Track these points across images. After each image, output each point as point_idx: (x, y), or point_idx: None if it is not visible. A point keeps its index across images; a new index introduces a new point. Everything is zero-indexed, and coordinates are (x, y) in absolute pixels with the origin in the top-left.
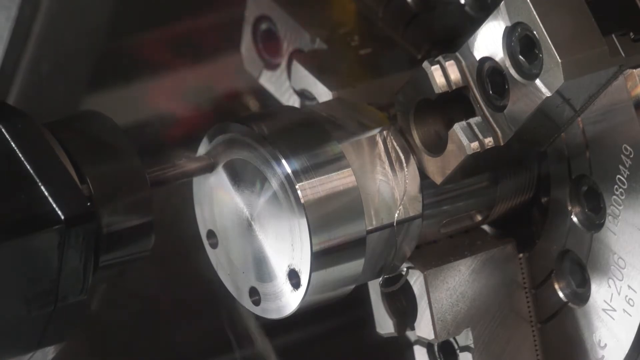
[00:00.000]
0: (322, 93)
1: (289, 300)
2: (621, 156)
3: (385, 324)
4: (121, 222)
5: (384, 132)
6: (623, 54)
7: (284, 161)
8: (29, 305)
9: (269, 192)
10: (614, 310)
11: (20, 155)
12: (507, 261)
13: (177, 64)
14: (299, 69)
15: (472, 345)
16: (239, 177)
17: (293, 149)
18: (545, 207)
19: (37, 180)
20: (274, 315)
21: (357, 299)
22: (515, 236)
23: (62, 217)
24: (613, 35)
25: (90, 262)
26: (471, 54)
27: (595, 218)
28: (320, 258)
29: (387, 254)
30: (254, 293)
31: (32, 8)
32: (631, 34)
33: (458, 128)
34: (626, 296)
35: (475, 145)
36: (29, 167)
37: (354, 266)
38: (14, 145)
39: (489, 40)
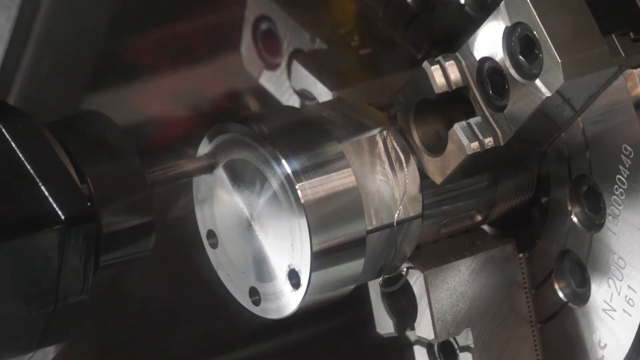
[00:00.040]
0: (322, 93)
1: (289, 300)
2: (621, 156)
3: (385, 324)
4: (121, 222)
5: (384, 132)
6: (623, 54)
7: (284, 161)
8: (29, 305)
9: (269, 192)
10: (614, 310)
11: (20, 155)
12: (507, 261)
13: (177, 65)
14: (299, 69)
15: (472, 345)
16: (239, 177)
17: (293, 149)
18: (545, 207)
19: (37, 180)
20: (274, 315)
21: (357, 299)
22: (515, 236)
23: (63, 217)
24: (613, 35)
25: (91, 262)
26: (471, 54)
27: (595, 218)
28: (320, 258)
29: (387, 254)
30: (254, 293)
31: (32, 8)
32: (631, 34)
33: (458, 128)
34: (626, 296)
35: (475, 145)
36: (29, 167)
37: (354, 266)
38: (14, 145)
39: (489, 40)
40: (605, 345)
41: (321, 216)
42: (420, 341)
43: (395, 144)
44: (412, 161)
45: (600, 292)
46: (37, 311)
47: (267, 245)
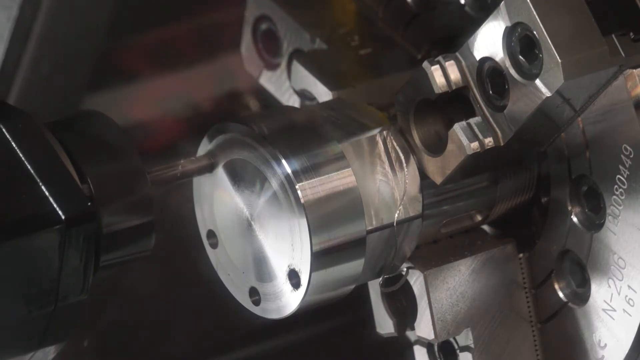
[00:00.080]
0: (322, 93)
1: (289, 300)
2: (621, 156)
3: (385, 324)
4: (122, 222)
5: (384, 132)
6: (623, 54)
7: (284, 161)
8: (29, 305)
9: (269, 192)
10: (614, 310)
11: (20, 155)
12: (507, 261)
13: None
14: (299, 69)
15: (472, 345)
16: (239, 177)
17: (293, 149)
18: (545, 207)
19: (38, 180)
20: (274, 315)
21: (357, 299)
22: (515, 236)
23: (63, 217)
24: (613, 35)
25: (91, 261)
26: (471, 54)
27: (595, 218)
28: (320, 258)
29: (387, 254)
30: (254, 293)
31: (32, 8)
32: (631, 34)
33: (458, 128)
34: (626, 296)
35: (475, 145)
36: (29, 166)
37: (354, 266)
38: (14, 145)
39: (489, 40)
40: (605, 345)
41: (321, 216)
42: (420, 341)
43: (395, 144)
44: (412, 161)
45: (600, 292)
46: (37, 311)
47: (267, 245)
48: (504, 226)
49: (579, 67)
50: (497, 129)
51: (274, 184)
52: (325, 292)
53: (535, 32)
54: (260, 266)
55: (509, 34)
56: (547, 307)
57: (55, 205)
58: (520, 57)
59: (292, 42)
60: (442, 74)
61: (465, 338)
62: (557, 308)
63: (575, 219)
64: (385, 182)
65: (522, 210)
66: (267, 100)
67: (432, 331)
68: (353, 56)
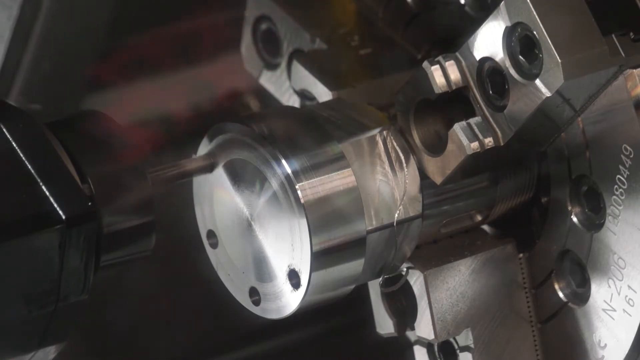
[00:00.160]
0: (322, 93)
1: (289, 300)
2: (621, 156)
3: (385, 324)
4: (122, 222)
5: (384, 132)
6: (623, 54)
7: (284, 161)
8: (30, 305)
9: (269, 192)
10: (614, 310)
11: (21, 154)
12: (507, 261)
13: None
14: (299, 69)
15: (472, 345)
16: (239, 177)
17: (293, 149)
18: (545, 207)
19: (38, 180)
20: (274, 315)
21: (357, 299)
22: (515, 236)
23: (63, 217)
24: (613, 35)
25: (91, 261)
26: (471, 54)
27: (595, 218)
28: (320, 258)
29: (387, 254)
30: (254, 293)
31: (33, 7)
32: (631, 34)
33: (458, 128)
34: (626, 296)
35: (475, 145)
36: (30, 166)
37: (354, 266)
38: (15, 145)
39: (489, 40)
40: (605, 345)
41: (321, 216)
42: (420, 341)
43: (395, 144)
44: (412, 161)
45: (600, 292)
46: (37, 311)
47: (267, 245)
48: (504, 226)
49: (579, 67)
50: (497, 129)
51: (274, 184)
52: (325, 292)
53: (535, 32)
54: (260, 266)
55: (509, 34)
56: (547, 307)
57: (55, 205)
58: (520, 57)
59: (292, 42)
60: (442, 74)
61: (465, 338)
62: (557, 308)
63: (575, 219)
64: (385, 182)
65: (522, 210)
66: (267, 100)
67: (432, 331)
68: (353, 56)
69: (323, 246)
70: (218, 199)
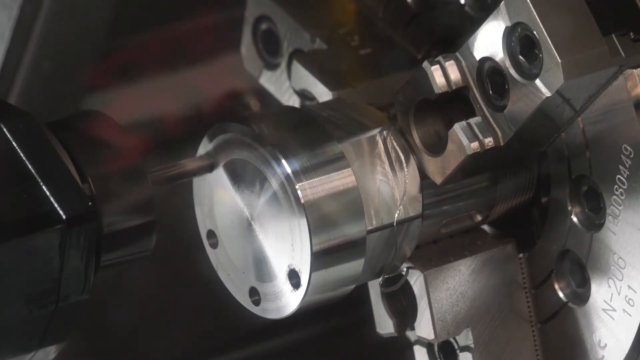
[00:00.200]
0: (322, 93)
1: (289, 300)
2: (621, 156)
3: (385, 324)
4: (122, 222)
5: (384, 132)
6: (623, 54)
7: (284, 161)
8: (30, 305)
9: (269, 192)
10: (614, 310)
11: (21, 154)
12: (507, 261)
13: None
14: (299, 69)
15: (472, 345)
16: (239, 177)
17: (293, 149)
18: (545, 207)
19: (39, 180)
20: (274, 315)
21: (357, 299)
22: (515, 236)
23: (64, 217)
24: (613, 35)
25: (92, 261)
26: (471, 54)
27: (595, 218)
28: (320, 258)
29: (387, 254)
30: (254, 293)
31: (33, 7)
32: (631, 34)
33: (458, 128)
34: (626, 296)
35: (475, 145)
36: (30, 166)
37: (354, 266)
38: (15, 145)
39: (489, 40)
40: (605, 345)
41: (321, 216)
42: (420, 341)
43: (395, 144)
44: (412, 161)
45: (600, 292)
46: (38, 311)
47: (267, 245)
48: (504, 226)
49: (579, 67)
50: (497, 129)
51: (274, 184)
52: (325, 292)
53: (535, 32)
54: (260, 266)
55: (509, 34)
56: (547, 307)
57: (56, 205)
58: (520, 57)
59: (292, 42)
60: (442, 74)
61: (465, 338)
62: (557, 308)
63: (575, 219)
64: (385, 182)
65: (522, 210)
66: (267, 100)
67: (432, 331)
68: (353, 56)
69: (323, 246)
70: (218, 199)
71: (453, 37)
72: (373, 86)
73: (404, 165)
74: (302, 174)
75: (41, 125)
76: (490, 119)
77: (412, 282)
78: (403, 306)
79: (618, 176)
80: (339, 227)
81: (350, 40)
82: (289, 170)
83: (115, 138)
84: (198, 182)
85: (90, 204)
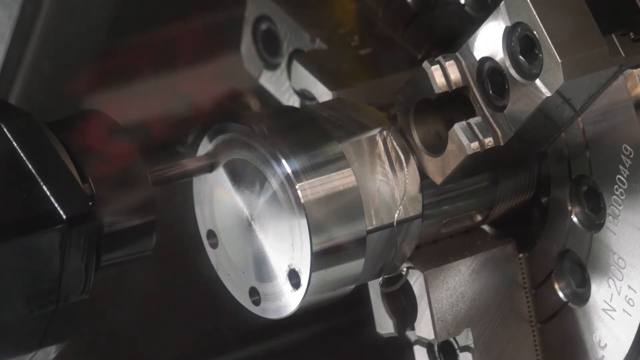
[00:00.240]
0: (322, 93)
1: (289, 300)
2: (621, 156)
3: (385, 324)
4: (123, 222)
5: (384, 132)
6: (623, 54)
7: (284, 161)
8: (30, 305)
9: (269, 192)
10: (614, 310)
11: (22, 154)
12: (507, 261)
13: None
14: (299, 69)
15: (472, 345)
16: (239, 177)
17: (293, 149)
18: (545, 207)
19: (39, 180)
20: (274, 315)
21: (357, 299)
22: (515, 236)
23: (64, 217)
24: (613, 35)
25: (92, 261)
26: (471, 54)
27: (595, 218)
28: (320, 258)
29: (387, 254)
30: (254, 293)
31: (33, 7)
32: (631, 34)
33: (458, 128)
34: (626, 296)
35: (475, 145)
36: (30, 166)
37: (354, 266)
38: (15, 145)
39: (489, 40)
40: (605, 345)
41: (321, 216)
42: (420, 341)
43: (395, 144)
44: (412, 161)
45: (600, 292)
46: (38, 311)
47: (267, 245)
48: (504, 226)
49: (579, 67)
50: (497, 129)
51: (274, 184)
52: (325, 292)
53: (535, 32)
54: (260, 266)
55: (509, 34)
56: (547, 307)
57: (56, 205)
58: (520, 57)
59: (292, 42)
60: (442, 74)
61: (465, 338)
62: (557, 308)
63: (575, 219)
64: (385, 182)
65: (522, 210)
66: (266, 100)
67: (432, 331)
68: (353, 56)
69: (323, 246)
70: (218, 199)
71: (453, 37)
72: (373, 86)
73: (404, 165)
74: (302, 174)
75: (41, 125)
76: (490, 119)
77: (412, 282)
78: (403, 306)
79: (618, 176)
80: (339, 227)
81: (350, 40)
82: (289, 170)
83: (115, 138)
84: (198, 182)
85: (90, 204)
